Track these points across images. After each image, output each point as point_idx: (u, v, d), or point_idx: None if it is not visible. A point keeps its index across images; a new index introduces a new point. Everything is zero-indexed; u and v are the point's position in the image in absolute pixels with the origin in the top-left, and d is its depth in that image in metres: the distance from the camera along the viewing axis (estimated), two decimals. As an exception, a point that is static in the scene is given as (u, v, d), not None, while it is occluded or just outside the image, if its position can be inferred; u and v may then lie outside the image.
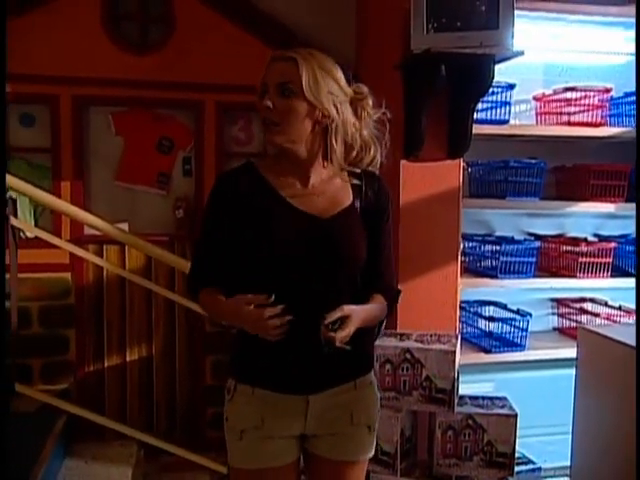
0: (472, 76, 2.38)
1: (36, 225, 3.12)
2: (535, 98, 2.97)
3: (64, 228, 3.07)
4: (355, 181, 1.60)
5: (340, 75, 1.54)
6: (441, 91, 2.44)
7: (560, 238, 3.07)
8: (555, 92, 2.86)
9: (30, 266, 2.94)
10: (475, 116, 2.53)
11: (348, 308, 1.45)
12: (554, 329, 3.22)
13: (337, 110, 1.51)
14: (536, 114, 2.98)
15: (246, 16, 3.04)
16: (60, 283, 3.12)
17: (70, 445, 2.90)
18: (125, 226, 3.13)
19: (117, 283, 3.15)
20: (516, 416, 2.34)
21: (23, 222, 2.94)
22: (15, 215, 2.83)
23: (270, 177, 1.56)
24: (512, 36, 2.28)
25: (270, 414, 1.54)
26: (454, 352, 2.28)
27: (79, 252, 2.85)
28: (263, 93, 1.51)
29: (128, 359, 3.19)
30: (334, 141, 1.53)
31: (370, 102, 1.59)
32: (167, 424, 3.25)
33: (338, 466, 1.62)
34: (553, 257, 2.98)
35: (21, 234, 2.97)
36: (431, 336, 2.42)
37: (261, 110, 1.50)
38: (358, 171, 1.61)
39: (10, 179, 2.53)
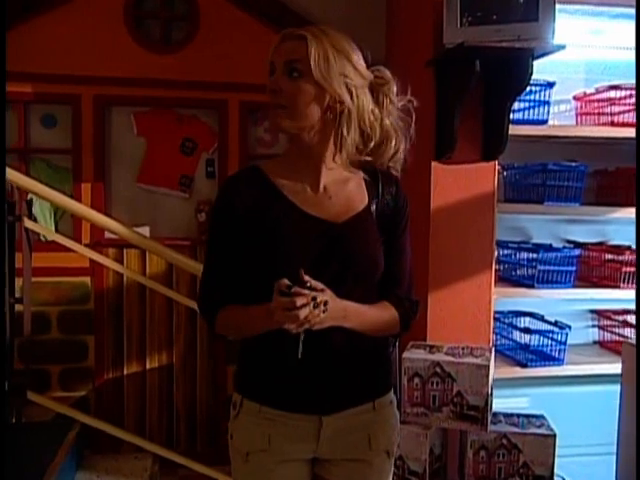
0: (509, 72, 2.25)
1: (57, 227, 3.08)
2: (576, 98, 2.82)
3: (84, 230, 3.02)
4: (371, 182, 1.46)
5: (358, 57, 1.38)
6: (475, 88, 2.31)
7: (602, 246, 2.92)
8: (597, 91, 2.72)
9: (49, 270, 2.91)
10: (511, 116, 2.40)
11: (330, 293, 1.27)
12: (594, 342, 3.07)
13: (351, 95, 1.36)
14: (576, 114, 2.83)
15: (272, 13, 2.96)
16: (80, 287, 3.07)
17: (83, 457, 2.81)
18: (146, 230, 3.06)
19: (137, 288, 3.09)
20: (555, 436, 2.21)
21: (37, 225, 2.86)
22: (30, 217, 2.77)
23: (278, 181, 1.42)
24: (553, 29, 2.14)
25: (278, 435, 1.40)
26: (488, 367, 2.15)
27: (97, 257, 2.78)
28: (271, 74, 1.38)
29: (148, 367, 3.12)
30: (345, 130, 1.38)
31: (394, 88, 1.43)
32: (187, 436, 3.15)
33: None
34: (594, 266, 2.83)
35: (41, 237, 2.92)
36: (463, 349, 2.30)
37: (267, 92, 1.37)
38: (374, 170, 1.47)
39: (29, 182, 2.48)
